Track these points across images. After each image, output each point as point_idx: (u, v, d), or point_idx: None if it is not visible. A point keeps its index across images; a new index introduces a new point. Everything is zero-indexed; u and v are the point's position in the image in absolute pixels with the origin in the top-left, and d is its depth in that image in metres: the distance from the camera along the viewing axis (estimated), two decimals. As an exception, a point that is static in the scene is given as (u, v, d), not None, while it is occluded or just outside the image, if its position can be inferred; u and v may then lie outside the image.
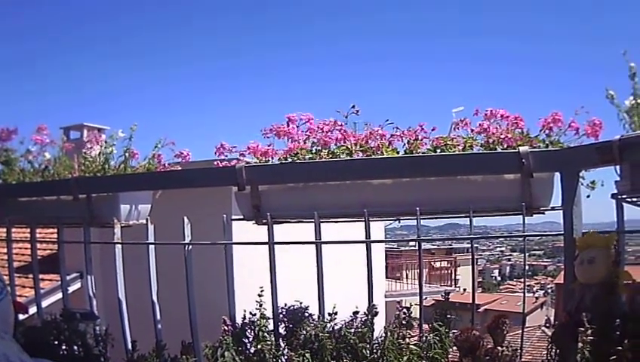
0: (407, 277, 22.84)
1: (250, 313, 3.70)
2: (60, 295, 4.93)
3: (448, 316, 3.39)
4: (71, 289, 5.81)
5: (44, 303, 5.11)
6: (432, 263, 26.80)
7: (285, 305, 3.65)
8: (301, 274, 4.44)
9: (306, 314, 3.56)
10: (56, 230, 4.83)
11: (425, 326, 3.40)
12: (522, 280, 4.75)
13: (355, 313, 3.44)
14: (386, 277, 19.53)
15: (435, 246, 34.84)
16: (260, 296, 3.69)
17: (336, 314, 3.49)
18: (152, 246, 4.08)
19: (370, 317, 3.41)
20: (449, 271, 26.54)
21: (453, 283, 25.34)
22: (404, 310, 3.44)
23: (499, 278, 76.27)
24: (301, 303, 3.63)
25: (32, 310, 4.73)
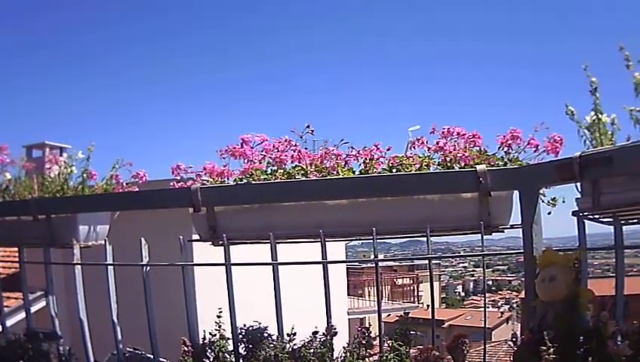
0: (369, 295, 23.04)
1: (210, 333, 3.65)
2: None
3: (408, 334, 3.33)
4: (37, 306, 5.67)
5: (12, 321, 5.23)
6: (395, 280, 27.18)
7: (245, 325, 3.59)
8: (262, 294, 4.35)
9: (265, 335, 3.51)
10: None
11: (387, 345, 3.34)
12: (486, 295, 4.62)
13: (315, 333, 3.40)
14: (349, 295, 19.55)
15: (398, 264, 34.98)
16: (218, 316, 3.63)
17: (295, 334, 3.45)
18: (110, 267, 4.00)
19: (329, 337, 3.37)
20: (412, 288, 26.69)
21: (416, 299, 25.66)
22: (364, 329, 3.39)
23: (462, 294, 76.60)
24: (260, 323, 3.58)
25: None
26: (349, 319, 14.99)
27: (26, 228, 4.34)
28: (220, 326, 3.61)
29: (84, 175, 4.45)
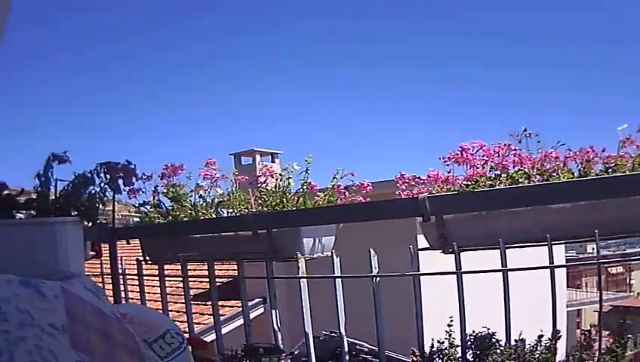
0: (586, 285, 26.36)
1: (439, 341, 4.68)
2: (240, 321, 6.50)
3: (624, 334, 4.25)
4: (253, 315, 7.31)
5: (225, 329, 6.64)
6: (608, 269, 30.01)
7: (473, 331, 4.58)
8: (483, 298, 5.76)
9: (493, 341, 4.47)
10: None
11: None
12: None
13: (540, 337, 4.32)
14: (567, 287, 22.60)
15: (611, 253, 37.30)
16: (449, 325, 4.64)
17: (522, 340, 4.39)
18: (339, 279, 5.20)
19: (554, 341, 4.28)
20: (624, 277, 32.28)
21: (627, 288, 30.97)
22: (586, 332, 4.33)
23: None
24: (488, 329, 4.54)
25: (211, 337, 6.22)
26: (567, 311, 17.00)
27: (245, 243, 5.71)
28: (450, 335, 4.61)
29: (304, 187, 5.75)
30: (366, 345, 8.88)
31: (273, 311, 5.75)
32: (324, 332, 5.76)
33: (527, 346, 4.39)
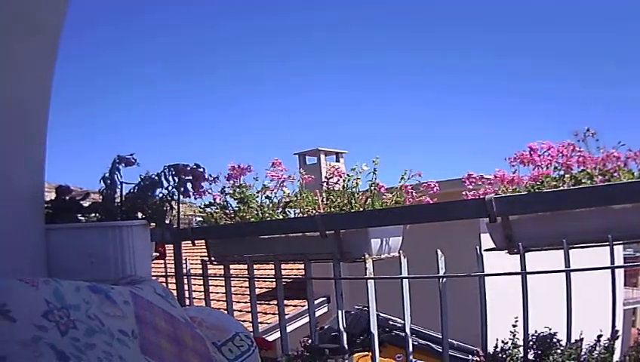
0: None
1: (502, 341, 4.80)
2: (304, 320, 6.51)
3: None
4: (317, 314, 7.35)
5: (288, 329, 6.64)
6: None
7: (536, 331, 4.69)
8: (542, 296, 5.75)
9: (554, 341, 4.59)
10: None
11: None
12: None
13: (599, 336, 4.42)
14: (624, 285, 22.33)
15: None
16: (514, 326, 4.80)
17: (582, 340, 4.50)
18: (405, 280, 5.40)
19: (612, 341, 4.38)
20: None
21: None
22: None
23: None
24: (550, 329, 4.66)
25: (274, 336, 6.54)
26: (623, 310, 17.23)
27: (312, 244, 5.88)
28: (514, 335, 4.75)
29: (372, 188, 5.93)
30: (399, 320, 9.13)
31: (339, 312, 5.89)
32: (355, 307, 5.85)
33: (586, 346, 4.48)
